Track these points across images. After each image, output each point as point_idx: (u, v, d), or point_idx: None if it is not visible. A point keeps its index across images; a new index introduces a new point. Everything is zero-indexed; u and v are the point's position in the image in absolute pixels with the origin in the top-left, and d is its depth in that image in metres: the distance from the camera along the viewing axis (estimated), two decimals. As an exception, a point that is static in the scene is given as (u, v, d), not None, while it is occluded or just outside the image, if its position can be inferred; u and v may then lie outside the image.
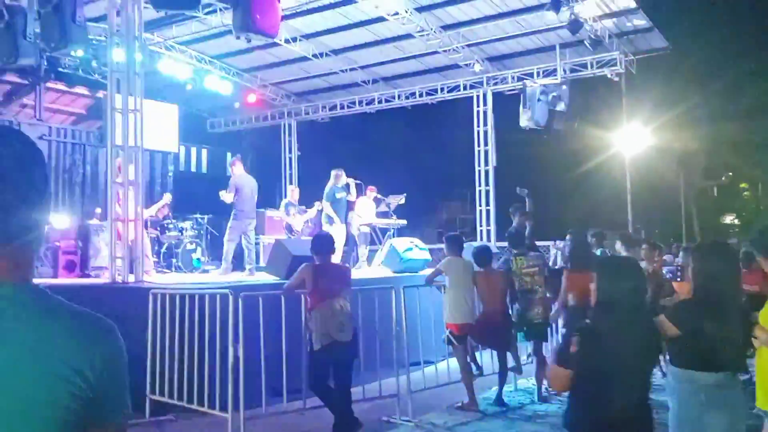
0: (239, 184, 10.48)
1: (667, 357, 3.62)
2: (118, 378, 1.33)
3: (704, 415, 3.33)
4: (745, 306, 3.71)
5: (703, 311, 3.34)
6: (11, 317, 1.23)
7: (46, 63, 13.02)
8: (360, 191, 12.44)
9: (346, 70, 15.16)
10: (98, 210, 11.89)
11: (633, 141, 18.13)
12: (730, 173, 32.05)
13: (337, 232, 11.22)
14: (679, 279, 3.84)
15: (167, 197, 10.86)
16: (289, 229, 12.71)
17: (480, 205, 15.20)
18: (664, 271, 3.98)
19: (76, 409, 1.24)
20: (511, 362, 7.62)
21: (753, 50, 24.69)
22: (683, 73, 23.67)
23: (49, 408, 1.21)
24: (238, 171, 10.68)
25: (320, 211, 13.02)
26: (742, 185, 33.54)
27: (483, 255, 7.77)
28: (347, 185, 11.77)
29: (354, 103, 16.77)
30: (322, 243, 6.43)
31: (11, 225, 1.27)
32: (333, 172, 11.69)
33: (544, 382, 7.60)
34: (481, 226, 15.18)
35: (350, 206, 12.20)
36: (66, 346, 1.25)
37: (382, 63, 14.92)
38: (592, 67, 13.77)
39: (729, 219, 34.18)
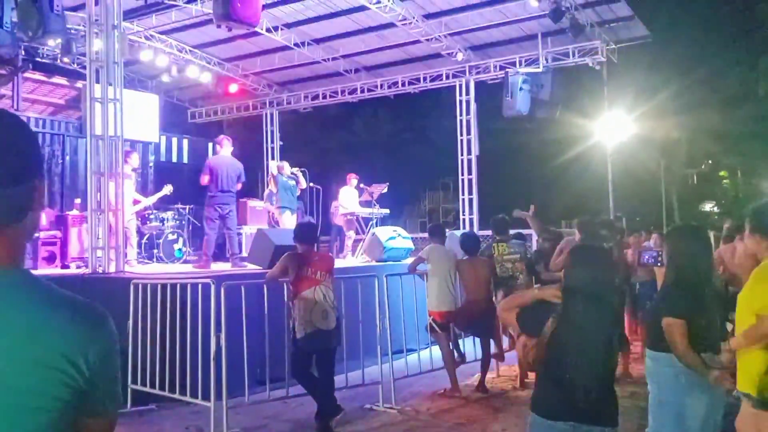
0: (214, 165, 9.83)
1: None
2: (111, 369, 1.32)
3: (684, 398, 3.37)
4: (720, 288, 3.77)
5: (689, 294, 3.37)
6: (2, 304, 1.21)
7: (23, 53, 12.85)
8: (342, 181, 12.49)
9: (329, 59, 15.09)
10: (77, 200, 11.77)
11: (614, 130, 18.20)
12: (710, 161, 32.38)
13: (291, 222, 11.29)
14: (660, 264, 3.86)
15: (168, 188, 10.68)
16: (274, 219, 12.66)
17: (463, 194, 15.23)
18: (645, 258, 4.01)
19: (69, 399, 1.23)
20: (493, 349, 7.68)
21: (733, 39, 24.89)
22: (664, 62, 23.82)
23: (41, 397, 1.20)
24: (221, 152, 10.05)
25: (299, 198, 13.09)
26: (722, 173, 33.86)
27: (470, 242, 7.82)
28: (294, 175, 11.94)
29: (336, 92, 16.71)
30: (305, 231, 6.42)
31: (4, 208, 1.23)
32: (276, 165, 12.08)
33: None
34: (464, 215, 15.23)
35: (318, 195, 12.50)
36: (59, 335, 1.23)
37: (365, 52, 14.86)
38: (574, 55, 13.81)
39: (708, 207, 34.52)
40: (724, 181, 34.61)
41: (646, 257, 3.99)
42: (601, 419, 2.99)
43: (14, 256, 1.26)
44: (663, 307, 3.41)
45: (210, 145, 17.00)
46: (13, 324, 1.20)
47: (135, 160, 10.35)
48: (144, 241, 11.49)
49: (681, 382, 3.35)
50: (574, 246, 4.19)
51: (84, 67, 10.17)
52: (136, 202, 10.26)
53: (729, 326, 3.62)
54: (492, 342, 7.62)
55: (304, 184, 12.07)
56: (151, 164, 15.87)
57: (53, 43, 12.62)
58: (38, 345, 1.20)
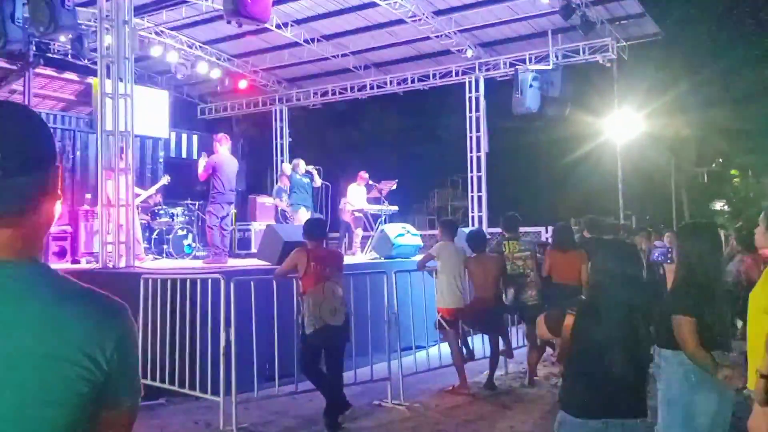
0: (219, 163, 9.80)
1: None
2: (129, 361, 1.32)
3: (694, 396, 3.36)
4: (730, 286, 3.76)
5: (698, 292, 3.36)
6: (17, 297, 1.20)
7: (34, 48, 12.91)
8: (351, 178, 12.52)
9: (338, 55, 15.08)
10: (88, 196, 11.83)
11: (624, 127, 18.13)
12: (721, 160, 32.19)
13: (306, 219, 11.32)
14: (669, 261, 3.86)
15: (166, 178, 10.74)
16: (283, 215, 12.68)
17: (472, 191, 15.20)
18: (655, 255, 4.01)
19: (87, 392, 1.22)
20: (502, 346, 7.67)
21: (745, 37, 24.69)
22: (675, 60, 23.66)
23: (58, 391, 1.19)
24: (221, 150, 10.01)
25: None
26: (733, 172, 33.65)
27: (477, 239, 7.82)
28: (309, 173, 12.01)
29: (346, 89, 16.70)
30: (315, 227, 6.45)
31: (15, 196, 1.22)
32: (292, 162, 12.14)
33: (537, 366, 7.69)
34: (473, 212, 15.20)
35: (326, 192, 12.50)
36: (76, 328, 1.22)
37: (374, 49, 14.86)
38: (584, 53, 13.76)
39: (719, 205, 34.32)
40: (735, 179, 34.38)
41: (656, 254, 3.99)
42: (634, 412, 3.01)
43: (30, 248, 1.25)
44: (673, 305, 3.40)
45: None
46: (30, 317, 1.19)
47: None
48: (154, 236, 11.54)
49: (690, 380, 3.34)
50: (602, 241, 4.19)
51: (95, 63, 10.20)
52: (135, 195, 10.30)
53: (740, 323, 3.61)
54: (501, 339, 7.61)
55: (318, 182, 12.11)
56: (161, 160, 15.91)
57: (64, 39, 12.68)
58: (55, 338, 1.20)
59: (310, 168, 12.10)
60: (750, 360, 3.69)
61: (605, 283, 3.09)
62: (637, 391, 3.06)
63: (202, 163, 9.93)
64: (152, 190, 10.81)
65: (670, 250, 3.90)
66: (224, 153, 10.04)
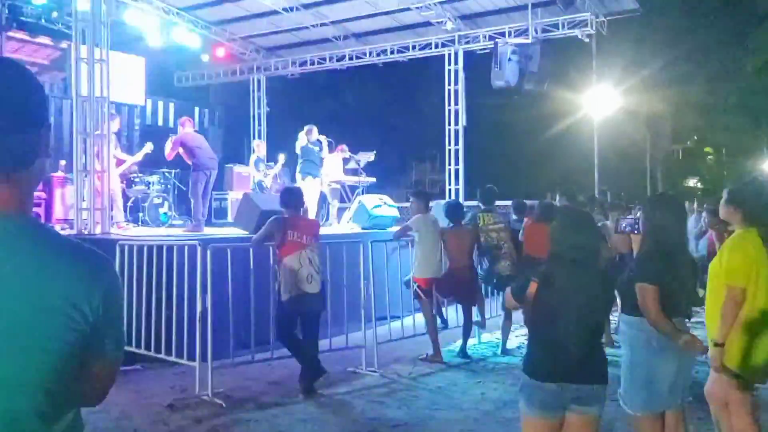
0: (188, 138, 10.05)
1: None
2: (115, 313, 1.36)
3: (655, 359, 3.49)
4: (700, 259, 3.90)
5: (663, 261, 3.47)
6: (8, 248, 1.23)
7: (7, 11, 12.64)
8: (331, 148, 12.44)
9: (317, 25, 14.95)
10: (63, 162, 11.70)
11: (602, 103, 18.28)
12: (696, 137, 32.60)
13: (313, 188, 11.28)
14: (636, 231, 3.99)
15: (149, 146, 10.64)
16: (260, 186, 12.63)
17: (449, 165, 15.26)
18: (623, 225, 4.13)
19: (74, 341, 1.26)
20: (476, 316, 7.81)
21: (722, 15, 24.88)
22: (652, 36, 23.82)
23: (47, 340, 1.23)
24: (186, 129, 10.24)
25: (284, 166, 13.02)
26: (707, 150, 34.12)
27: (455, 211, 7.92)
28: (319, 141, 11.75)
29: (324, 59, 16.57)
30: (291, 196, 6.47)
31: (8, 154, 1.25)
32: (305, 128, 11.64)
33: (510, 335, 7.84)
34: (450, 185, 15.27)
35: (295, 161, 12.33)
36: (65, 280, 1.26)
37: (354, 18, 14.74)
38: (563, 27, 13.78)
39: (693, 182, 34.84)
40: (709, 157, 34.90)
41: (624, 224, 4.11)
42: (590, 378, 3.10)
43: (21, 203, 1.28)
44: (637, 273, 3.51)
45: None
46: (19, 269, 1.23)
47: (116, 124, 10.29)
48: (129, 204, 11.46)
49: (652, 346, 3.46)
50: (560, 208, 4.30)
51: (69, 27, 10.04)
52: (120, 162, 10.23)
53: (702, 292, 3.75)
54: (474, 309, 7.75)
55: (325, 152, 11.92)
56: (137, 127, 15.74)
57: (38, 2, 12.43)
58: (44, 289, 1.24)
59: (322, 138, 11.81)
60: (708, 328, 3.84)
61: (560, 251, 3.19)
62: (594, 358, 3.15)
63: (169, 144, 10.11)
64: (137, 157, 10.67)
65: (637, 221, 4.01)
66: (189, 130, 10.24)
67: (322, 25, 14.97)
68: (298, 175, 11.64)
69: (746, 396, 3.76)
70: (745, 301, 3.64)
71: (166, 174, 12.56)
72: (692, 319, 3.62)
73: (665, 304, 3.40)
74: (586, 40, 14.10)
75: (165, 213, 11.76)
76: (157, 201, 11.76)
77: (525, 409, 3.17)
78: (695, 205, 12.64)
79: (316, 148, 11.58)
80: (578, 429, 3.12)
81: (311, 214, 10.78)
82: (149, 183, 11.94)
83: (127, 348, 6.49)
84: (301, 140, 11.56)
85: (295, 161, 12.00)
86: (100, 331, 1.31)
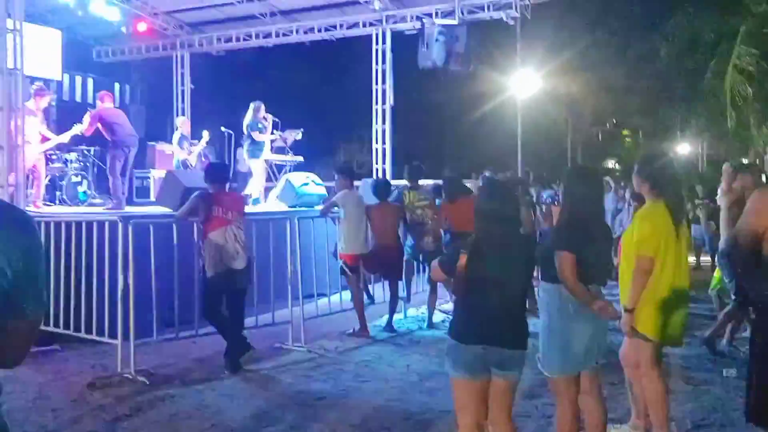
0: (104, 112, 9.79)
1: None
2: (35, 270, 1.34)
3: (571, 324, 3.65)
4: (608, 226, 4.11)
5: (580, 231, 3.63)
6: None
7: None
8: (275, 127, 12.20)
9: (243, 1, 14.67)
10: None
11: (525, 86, 18.70)
12: (615, 120, 33.79)
13: (260, 167, 11.16)
14: (556, 203, 4.18)
15: (78, 127, 10.18)
16: (184, 164, 12.31)
17: (376, 143, 15.31)
18: (543, 197, 4.33)
19: None
20: (401, 292, 7.94)
21: (639, 2, 25.69)
22: (574, 21, 24.45)
23: None
24: (105, 105, 9.97)
25: (209, 143, 12.77)
26: (624, 132, 35.44)
27: (382, 188, 8.00)
28: (265, 118, 11.56)
29: (251, 36, 16.27)
30: (216, 172, 6.40)
31: None
32: (252, 105, 11.37)
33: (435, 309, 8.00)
34: (376, 164, 15.33)
35: (229, 141, 12.18)
36: None
37: (280, -5, 14.53)
38: (489, 9, 13.96)
39: (611, 164, 36.16)
40: (627, 139, 36.25)
41: (544, 197, 4.28)
42: (512, 342, 3.31)
43: None
44: (556, 242, 3.65)
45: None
46: None
47: (44, 101, 9.87)
48: (46, 182, 11.02)
49: (568, 311, 3.63)
50: (482, 183, 4.45)
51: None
52: (45, 139, 9.80)
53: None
54: (399, 284, 7.87)
55: (269, 133, 11.61)
56: (54, 103, 15.08)
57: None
58: None
59: (268, 116, 11.57)
60: (621, 294, 4.05)
61: (482, 222, 3.38)
62: (516, 324, 3.36)
63: (87, 119, 9.78)
64: (64, 137, 10.17)
65: (557, 193, 4.19)
66: (108, 105, 9.96)
67: (248, 1, 14.69)
68: (245, 155, 11.40)
69: (656, 358, 4.00)
70: (654, 270, 3.85)
71: (85, 152, 12.10)
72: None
73: (582, 272, 3.55)
74: (511, 22, 14.34)
75: (84, 192, 11.36)
76: (75, 179, 11.34)
77: (451, 371, 3.36)
78: (612, 183, 13.16)
79: (261, 126, 11.34)
80: (498, 392, 3.33)
81: (257, 194, 10.98)
82: (67, 161, 11.49)
83: (44, 327, 6.34)
84: (248, 117, 11.32)
85: (219, 140, 11.78)
86: (20, 289, 1.29)
